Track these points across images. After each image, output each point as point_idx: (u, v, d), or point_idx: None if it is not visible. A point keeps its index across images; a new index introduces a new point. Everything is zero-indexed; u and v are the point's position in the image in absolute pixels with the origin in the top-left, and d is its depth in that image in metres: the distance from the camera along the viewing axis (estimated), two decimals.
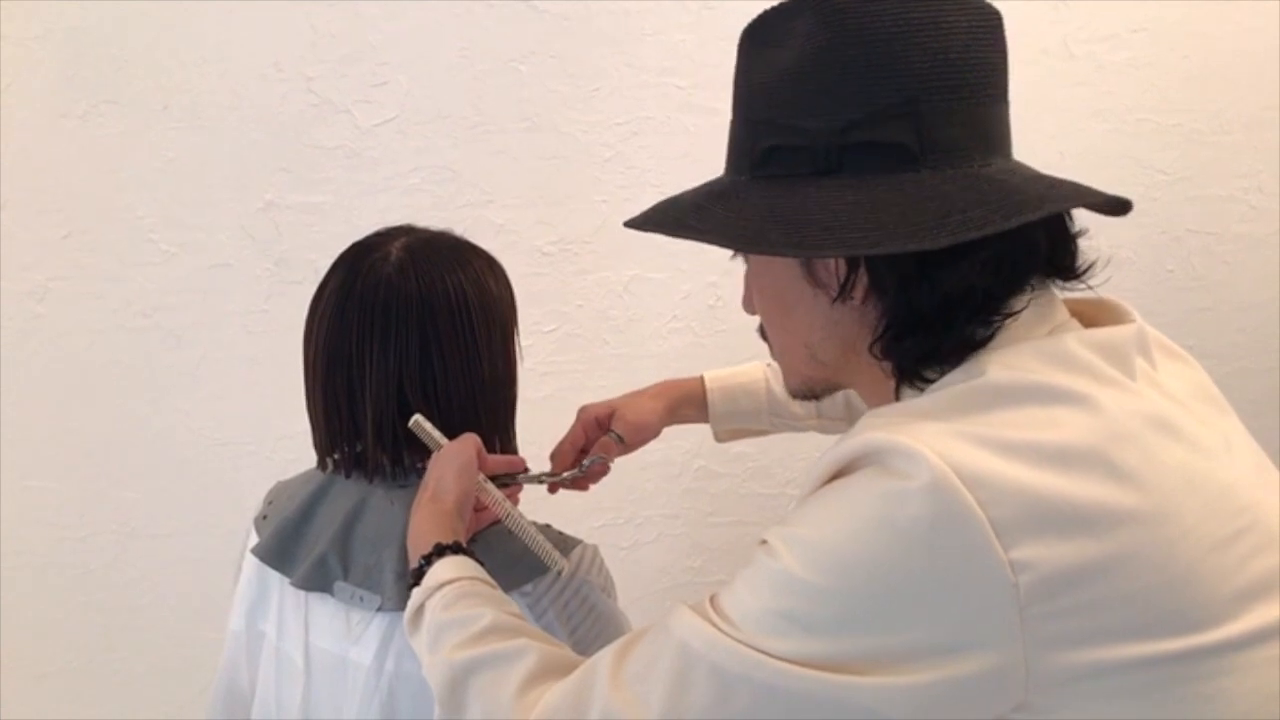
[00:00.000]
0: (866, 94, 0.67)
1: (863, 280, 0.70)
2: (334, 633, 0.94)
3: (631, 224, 0.78)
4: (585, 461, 1.08)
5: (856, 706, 0.61)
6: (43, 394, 1.59)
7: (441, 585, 0.82)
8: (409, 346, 0.90)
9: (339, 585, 0.92)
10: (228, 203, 1.57)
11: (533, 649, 0.76)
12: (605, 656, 0.71)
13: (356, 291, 0.91)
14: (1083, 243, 0.73)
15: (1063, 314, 0.73)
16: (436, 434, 0.91)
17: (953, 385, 0.67)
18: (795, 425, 1.19)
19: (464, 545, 0.86)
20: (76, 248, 1.55)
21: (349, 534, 0.94)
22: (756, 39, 0.74)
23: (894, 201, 0.66)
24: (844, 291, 0.70)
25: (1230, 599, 0.62)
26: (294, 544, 0.96)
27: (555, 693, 0.72)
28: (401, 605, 0.88)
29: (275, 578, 0.97)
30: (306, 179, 1.57)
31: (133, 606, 1.68)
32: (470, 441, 0.91)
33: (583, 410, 1.13)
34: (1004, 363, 0.66)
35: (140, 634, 1.69)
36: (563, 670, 0.74)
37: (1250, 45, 1.76)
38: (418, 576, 0.84)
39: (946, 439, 0.61)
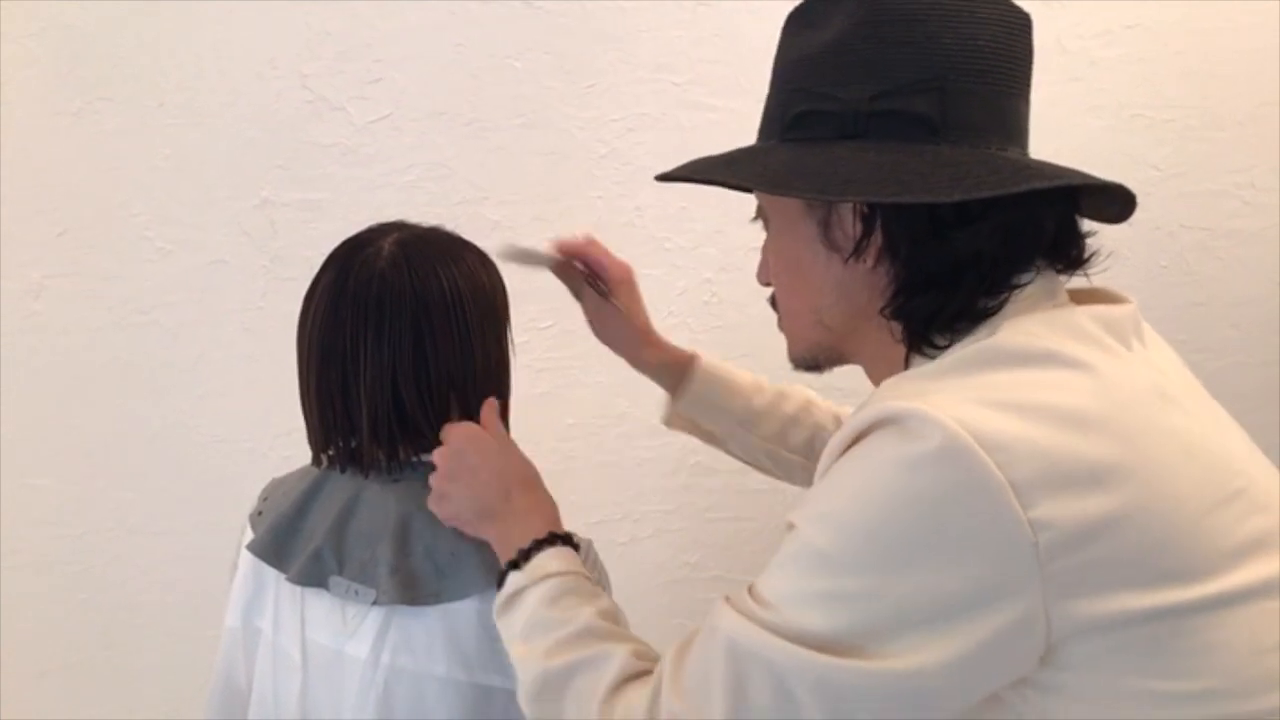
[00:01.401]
0: (898, 67, 0.71)
1: (876, 241, 0.73)
2: (330, 627, 0.94)
3: (663, 176, 0.82)
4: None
5: (902, 692, 0.64)
6: (40, 392, 1.59)
7: (548, 576, 0.83)
8: (403, 341, 0.90)
9: (334, 580, 0.93)
10: (224, 200, 1.57)
11: (618, 655, 0.77)
12: (665, 665, 0.73)
13: (349, 287, 0.91)
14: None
15: (1064, 296, 0.76)
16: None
17: (963, 349, 0.69)
18: (749, 444, 1.13)
19: (571, 537, 0.88)
20: (73, 245, 1.56)
21: (344, 529, 0.94)
22: (800, 21, 0.77)
23: (912, 165, 0.69)
24: (858, 250, 0.73)
25: (1227, 554, 0.64)
26: (289, 540, 0.96)
27: (630, 705, 0.73)
28: (395, 599, 0.89)
29: (271, 574, 0.97)
30: (302, 176, 1.58)
31: (132, 604, 1.69)
32: (468, 431, 0.92)
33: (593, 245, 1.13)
34: (1014, 328, 0.69)
35: (139, 631, 1.70)
36: (644, 675, 0.76)
37: (1244, 41, 1.76)
38: (525, 556, 0.84)
39: (962, 404, 0.63)
